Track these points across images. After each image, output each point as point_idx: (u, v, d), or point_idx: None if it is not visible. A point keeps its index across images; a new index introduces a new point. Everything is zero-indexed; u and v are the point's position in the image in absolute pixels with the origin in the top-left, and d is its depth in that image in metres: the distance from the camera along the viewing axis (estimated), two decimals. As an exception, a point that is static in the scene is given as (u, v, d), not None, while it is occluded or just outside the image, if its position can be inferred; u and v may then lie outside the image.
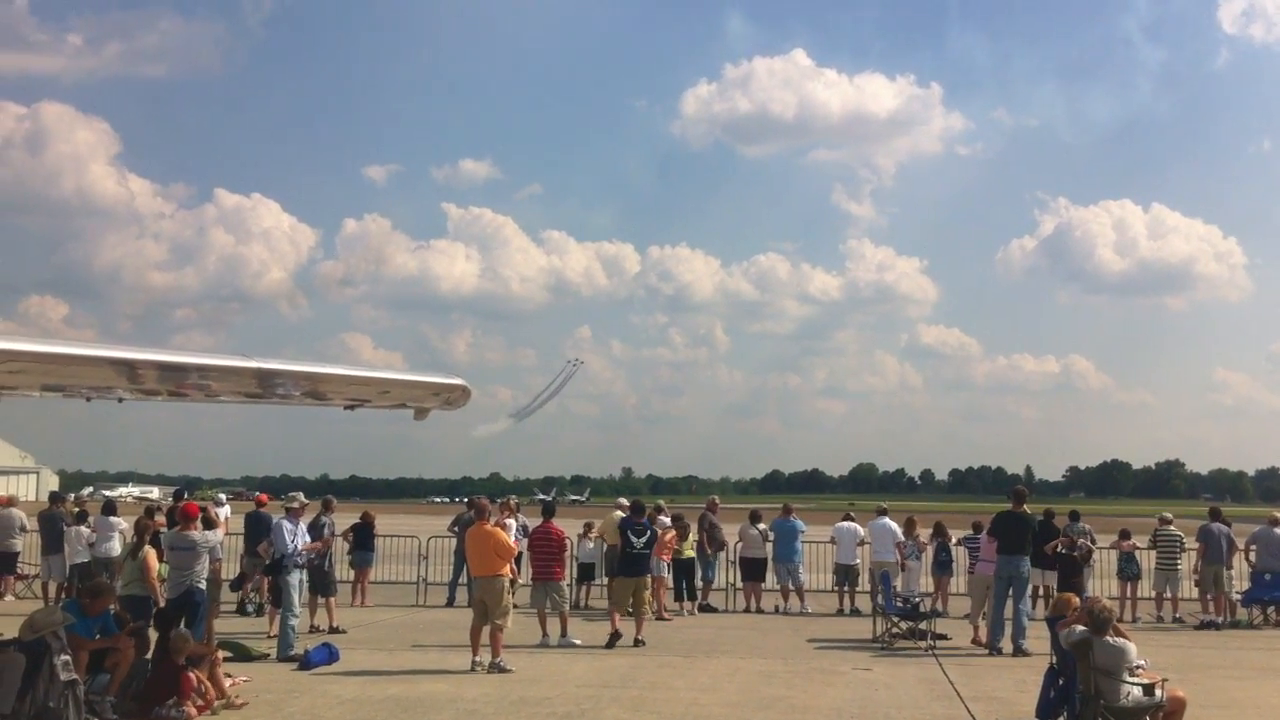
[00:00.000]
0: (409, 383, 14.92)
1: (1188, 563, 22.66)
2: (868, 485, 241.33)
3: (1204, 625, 21.08)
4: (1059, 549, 20.66)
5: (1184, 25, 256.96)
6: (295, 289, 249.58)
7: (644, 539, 18.59)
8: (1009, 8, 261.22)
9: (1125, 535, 23.54)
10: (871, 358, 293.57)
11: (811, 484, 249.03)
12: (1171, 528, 22.80)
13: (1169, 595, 22.37)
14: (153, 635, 13.15)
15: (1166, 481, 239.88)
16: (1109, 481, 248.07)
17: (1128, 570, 23.04)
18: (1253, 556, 22.05)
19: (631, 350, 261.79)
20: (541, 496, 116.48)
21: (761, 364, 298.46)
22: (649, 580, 18.87)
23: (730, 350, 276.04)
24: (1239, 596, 22.11)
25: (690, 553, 22.85)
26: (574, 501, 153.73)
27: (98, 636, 12.19)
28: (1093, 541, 22.74)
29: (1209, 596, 21.67)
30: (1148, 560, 23.31)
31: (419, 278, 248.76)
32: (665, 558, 21.81)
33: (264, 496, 23.59)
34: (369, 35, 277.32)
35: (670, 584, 22.27)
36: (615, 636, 17.47)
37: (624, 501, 21.78)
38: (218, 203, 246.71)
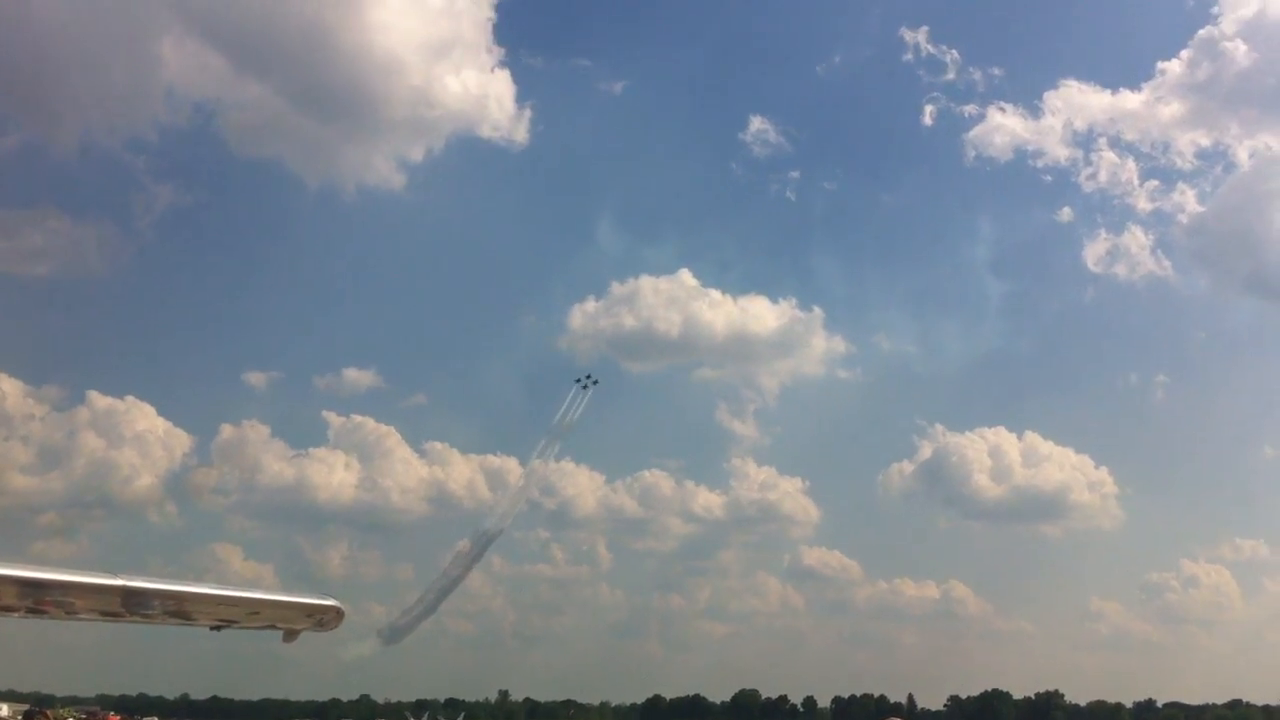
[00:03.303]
0: (280, 603, 14.53)
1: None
2: (750, 713, 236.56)
3: None
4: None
5: (1050, 263, 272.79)
6: (165, 496, 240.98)
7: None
8: (890, 239, 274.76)
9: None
10: (754, 578, 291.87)
11: (693, 711, 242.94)
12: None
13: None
14: None
15: (1046, 713, 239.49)
16: (990, 711, 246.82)
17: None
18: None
19: (512, 565, 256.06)
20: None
21: (644, 582, 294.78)
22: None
23: (613, 567, 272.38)
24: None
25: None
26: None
27: None
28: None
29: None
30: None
31: (295, 487, 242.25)
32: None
33: (115, 718, 22.31)
34: (257, 240, 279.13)
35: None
36: None
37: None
38: (90, 405, 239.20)
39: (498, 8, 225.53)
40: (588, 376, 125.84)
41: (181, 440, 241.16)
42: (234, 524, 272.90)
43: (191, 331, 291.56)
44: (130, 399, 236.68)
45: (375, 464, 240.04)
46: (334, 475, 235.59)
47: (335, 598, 14.86)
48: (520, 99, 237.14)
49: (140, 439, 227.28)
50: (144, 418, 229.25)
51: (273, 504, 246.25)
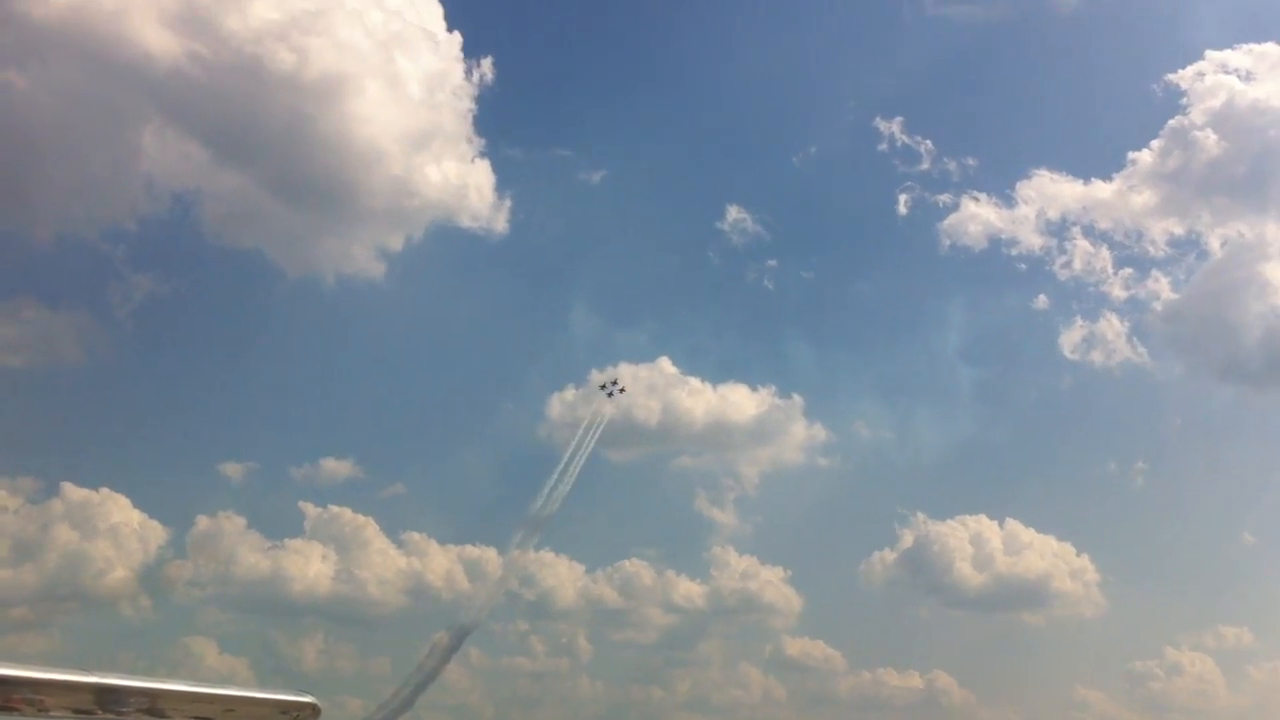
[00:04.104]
0: (256, 700, 14.32)
1: None
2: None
3: None
4: None
5: (1027, 351, 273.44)
6: (139, 589, 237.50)
7: None
8: (868, 327, 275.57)
9: None
10: (736, 670, 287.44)
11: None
12: None
13: None
14: None
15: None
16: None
17: None
18: None
19: (490, 658, 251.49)
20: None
21: (624, 675, 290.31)
22: None
23: (593, 659, 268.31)
24: None
25: None
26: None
27: None
28: None
29: None
30: None
31: (270, 579, 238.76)
32: None
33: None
34: (236, 330, 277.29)
35: None
36: None
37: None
38: (64, 497, 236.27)
39: (478, 99, 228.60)
40: (614, 383, 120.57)
41: (156, 532, 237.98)
42: (209, 617, 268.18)
43: (168, 422, 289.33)
44: (105, 490, 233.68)
45: (352, 555, 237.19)
46: (310, 567, 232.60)
47: (311, 694, 14.68)
48: (500, 189, 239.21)
49: (115, 531, 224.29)
50: (119, 509, 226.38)
51: (248, 597, 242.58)
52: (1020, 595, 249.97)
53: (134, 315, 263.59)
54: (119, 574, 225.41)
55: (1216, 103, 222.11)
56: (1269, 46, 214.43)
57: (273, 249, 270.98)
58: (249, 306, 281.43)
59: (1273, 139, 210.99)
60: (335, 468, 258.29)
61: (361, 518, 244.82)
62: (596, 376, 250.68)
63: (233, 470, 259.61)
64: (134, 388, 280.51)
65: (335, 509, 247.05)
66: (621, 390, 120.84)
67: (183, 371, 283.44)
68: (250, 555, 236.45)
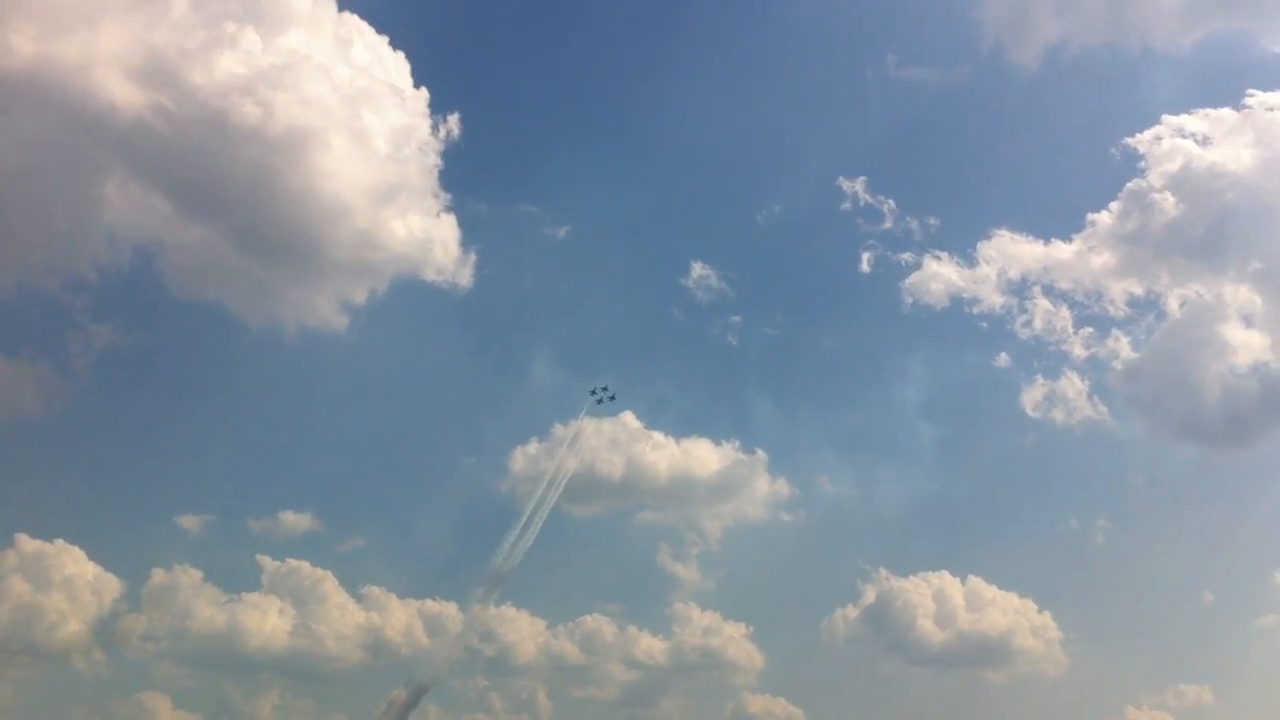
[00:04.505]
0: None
1: None
2: None
3: None
4: None
5: (989, 409, 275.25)
6: (93, 643, 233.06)
7: None
8: (831, 384, 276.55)
9: None
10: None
11: None
12: None
13: None
14: None
15: None
16: None
17: None
18: None
19: (448, 716, 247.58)
20: None
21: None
22: None
23: (553, 717, 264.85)
24: None
25: None
26: None
27: None
28: None
29: None
30: None
31: (227, 633, 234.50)
32: None
33: None
34: (196, 381, 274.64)
35: None
36: None
37: None
38: (18, 549, 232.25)
39: (444, 154, 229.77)
40: (603, 388, 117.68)
41: (111, 585, 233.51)
42: (163, 672, 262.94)
43: (126, 473, 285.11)
44: (60, 542, 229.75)
45: (310, 609, 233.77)
46: (267, 621, 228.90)
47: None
48: (465, 243, 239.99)
49: (69, 583, 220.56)
50: (73, 562, 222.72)
51: (204, 651, 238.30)
52: (982, 652, 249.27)
53: (93, 366, 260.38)
54: (73, 627, 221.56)
55: (1174, 166, 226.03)
56: (1225, 111, 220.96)
57: (235, 301, 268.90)
58: (209, 358, 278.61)
59: (1229, 201, 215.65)
60: (294, 521, 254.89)
61: (320, 571, 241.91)
62: (560, 431, 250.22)
63: (190, 522, 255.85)
64: (92, 439, 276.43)
65: (294, 562, 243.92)
66: (612, 397, 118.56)
67: (141, 423, 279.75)
68: (206, 609, 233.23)
